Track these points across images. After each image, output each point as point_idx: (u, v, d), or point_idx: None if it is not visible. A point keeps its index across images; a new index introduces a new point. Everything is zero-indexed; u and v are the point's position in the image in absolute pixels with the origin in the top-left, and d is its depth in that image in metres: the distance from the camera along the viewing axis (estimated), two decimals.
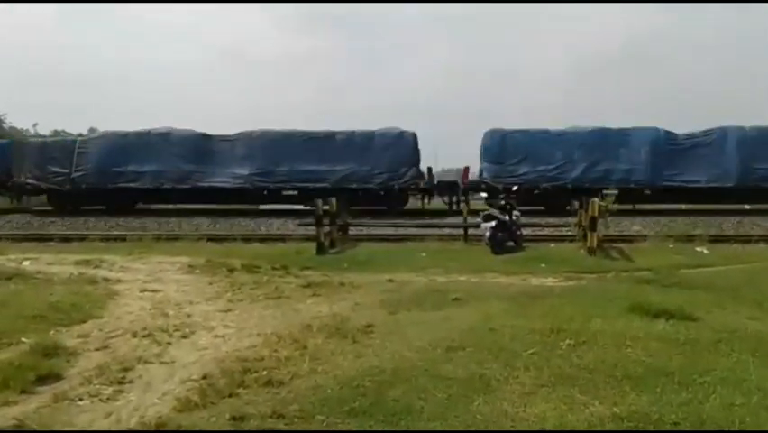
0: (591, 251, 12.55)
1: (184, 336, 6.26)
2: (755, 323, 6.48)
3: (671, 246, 13.99)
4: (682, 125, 24.03)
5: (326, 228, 14.20)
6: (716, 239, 15.35)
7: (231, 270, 10.54)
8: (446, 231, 16.43)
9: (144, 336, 6.19)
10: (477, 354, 5.13)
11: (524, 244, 13.84)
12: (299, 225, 18.66)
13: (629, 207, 20.81)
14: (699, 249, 13.70)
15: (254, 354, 5.42)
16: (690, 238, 14.96)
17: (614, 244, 13.78)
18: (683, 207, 22.71)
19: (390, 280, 9.53)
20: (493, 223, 13.29)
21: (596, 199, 13.25)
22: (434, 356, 5.10)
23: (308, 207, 16.32)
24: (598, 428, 3.73)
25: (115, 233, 18.15)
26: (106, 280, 9.71)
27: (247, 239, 16.55)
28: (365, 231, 17.15)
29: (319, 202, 14.28)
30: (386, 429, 3.80)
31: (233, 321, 6.98)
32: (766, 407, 4.02)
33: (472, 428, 3.80)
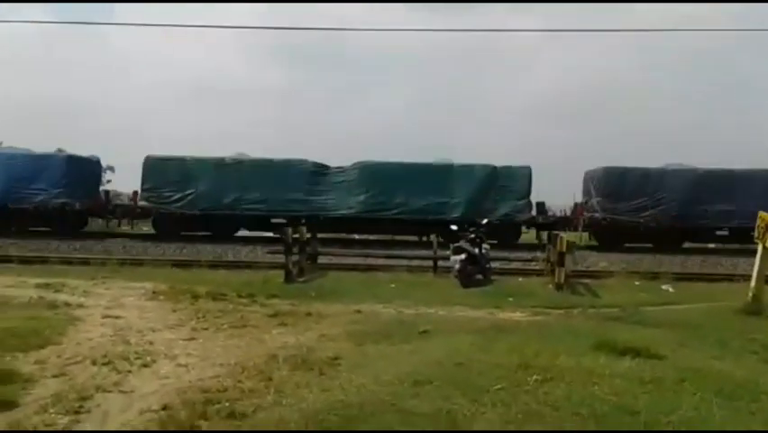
0: (559, 286, 12.64)
1: (145, 365, 6.10)
2: (719, 362, 6.56)
3: (636, 283, 14.16)
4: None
5: (295, 257, 14.08)
6: (680, 277, 15.57)
7: (195, 297, 10.34)
8: (416, 262, 16.42)
9: (104, 364, 6.02)
10: (444, 388, 5.08)
11: (492, 278, 13.90)
12: (268, 252, 18.50)
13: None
14: (664, 287, 13.87)
15: (217, 385, 5.31)
16: (655, 276, 15.18)
17: (581, 280, 13.90)
18: (649, 244, 23.04)
19: (358, 311, 9.46)
20: (463, 256, 13.30)
21: (564, 235, 13.37)
22: (401, 391, 5.03)
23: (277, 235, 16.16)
24: None
25: (78, 256, 17.75)
26: (67, 304, 9.47)
27: (213, 265, 16.32)
28: (335, 260, 17.06)
29: (288, 230, 14.17)
30: None
31: (197, 350, 6.84)
32: None
33: None
